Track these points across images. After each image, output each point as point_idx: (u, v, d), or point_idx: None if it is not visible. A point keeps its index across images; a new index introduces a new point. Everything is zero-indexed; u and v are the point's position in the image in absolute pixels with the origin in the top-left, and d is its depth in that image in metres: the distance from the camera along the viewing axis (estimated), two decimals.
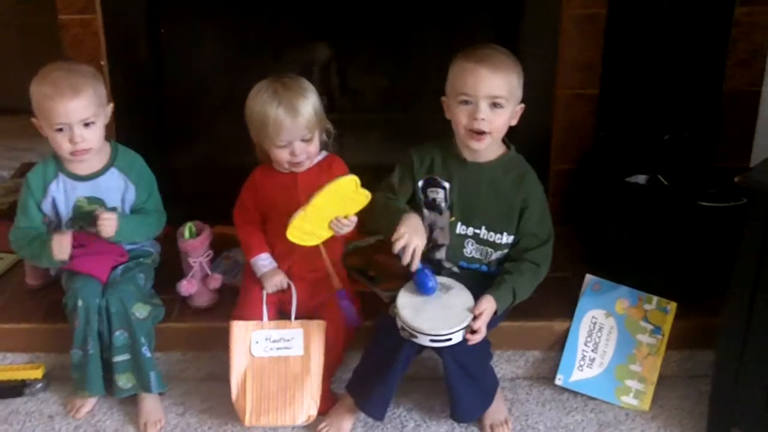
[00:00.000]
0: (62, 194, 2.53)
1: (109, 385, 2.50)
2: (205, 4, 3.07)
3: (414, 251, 2.28)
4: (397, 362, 2.35)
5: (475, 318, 2.28)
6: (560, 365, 2.59)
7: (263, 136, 2.47)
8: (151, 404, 2.52)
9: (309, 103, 2.45)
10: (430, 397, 2.56)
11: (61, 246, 2.43)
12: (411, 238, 2.28)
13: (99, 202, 2.53)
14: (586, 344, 2.58)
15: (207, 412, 2.53)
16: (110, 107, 2.53)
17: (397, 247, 2.29)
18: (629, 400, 2.54)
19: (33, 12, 4.20)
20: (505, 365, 2.64)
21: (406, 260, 2.28)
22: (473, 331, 2.29)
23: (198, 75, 3.17)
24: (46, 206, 2.54)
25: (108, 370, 2.49)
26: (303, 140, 2.47)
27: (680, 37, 2.91)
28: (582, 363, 2.57)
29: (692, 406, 2.54)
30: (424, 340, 2.27)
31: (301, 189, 2.52)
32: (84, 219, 2.53)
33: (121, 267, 2.54)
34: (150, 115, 2.72)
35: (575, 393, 2.58)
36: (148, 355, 2.47)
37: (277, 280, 2.54)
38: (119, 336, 2.44)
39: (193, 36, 3.11)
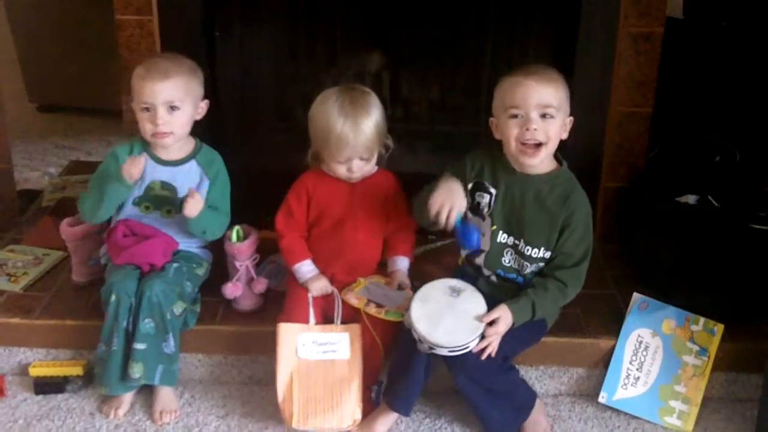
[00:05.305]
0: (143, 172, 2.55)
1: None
2: (260, 9, 3.09)
3: (449, 212, 2.31)
4: (418, 355, 2.34)
5: (490, 324, 2.29)
6: (604, 383, 2.57)
7: (324, 149, 2.49)
8: (166, 394, 2.53)
9: (373, 122, 2.47)
10: (472, 411, 2.54)
11: (134, 164, 2.46)
12: (444, 200, 2.32)
13: (170, 188, 2.58)
14: (631, 363, 2.57)
15: (248, 416, 2.53)
16: (204, 104, 2.59)
17: (432, 213, 2.32)
18: (672, 420, 2.52)
19: (82, 12, 4.25)
20: (548, 381, 2.63)
21: (441, 223, 2.32)
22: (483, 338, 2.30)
23: (251, 79, 3.19)
24: None
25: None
26: (361, 159, 2.49)
27: (735, 59, 2.90)
28: (626, 382, 2.56)
29: (737, 430, 2.51)
30: (443, 352, 2.28)
31: (358, 197, 2.56)
32: (151, 201, 2.58)
33: (174, 267, 2.55)
34: (202, 118, 2.72)
35: (618, 411, 2.56)
36: (168, 352, 2.49)
37: (322, 285, 2.55)
38: (147, 324, 2.45)
39: (247, 40, 3.13)
